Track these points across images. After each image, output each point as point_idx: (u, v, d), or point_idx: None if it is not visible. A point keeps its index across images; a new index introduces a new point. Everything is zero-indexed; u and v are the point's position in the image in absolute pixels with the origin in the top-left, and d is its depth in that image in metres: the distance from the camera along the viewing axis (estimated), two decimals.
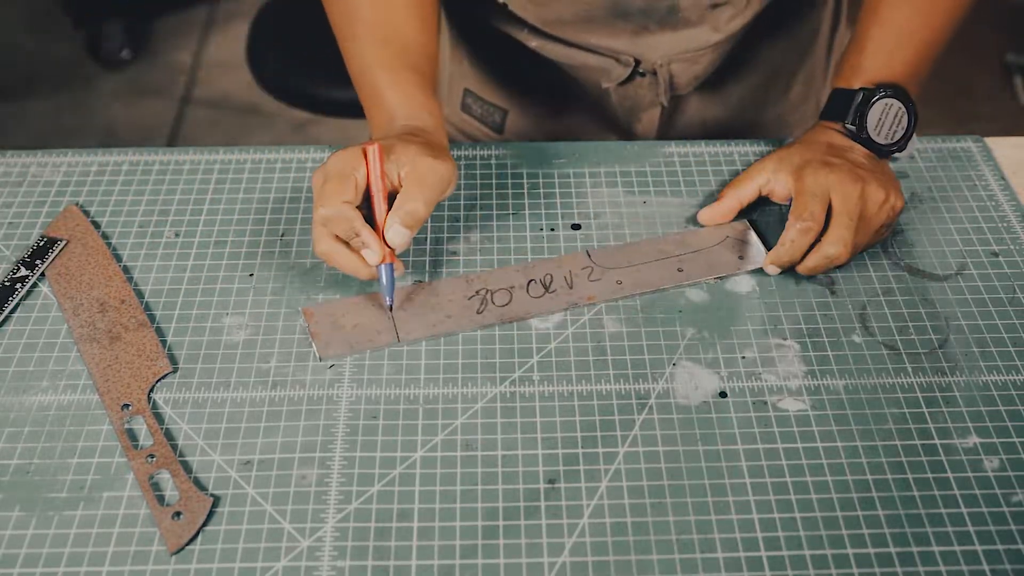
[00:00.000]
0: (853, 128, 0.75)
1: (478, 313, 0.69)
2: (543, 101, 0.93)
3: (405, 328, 0.68)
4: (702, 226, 0.76)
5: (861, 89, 0.75)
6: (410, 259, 0.74)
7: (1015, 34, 2.41)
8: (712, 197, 0.79)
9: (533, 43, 0.86)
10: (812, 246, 0.70)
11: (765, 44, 0.89)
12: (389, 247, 0.66)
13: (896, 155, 0.78)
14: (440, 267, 0.73)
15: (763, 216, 0.77)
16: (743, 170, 0.78)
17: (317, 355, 0.67)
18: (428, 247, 0.75)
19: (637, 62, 0.84)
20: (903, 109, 0.74)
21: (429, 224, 0.77)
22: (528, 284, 0.71)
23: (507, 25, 0.87)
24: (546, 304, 0.70)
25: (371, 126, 0.75)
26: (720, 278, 0.72)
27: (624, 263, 0.73)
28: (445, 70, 0.98)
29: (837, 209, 0.70)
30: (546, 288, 0.70)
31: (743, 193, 0.75)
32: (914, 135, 0.76)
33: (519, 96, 0.94)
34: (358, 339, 0.68)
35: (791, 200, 0.72)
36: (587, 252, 0.74)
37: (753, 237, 0.75)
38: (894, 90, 0.74)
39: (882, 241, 0.75)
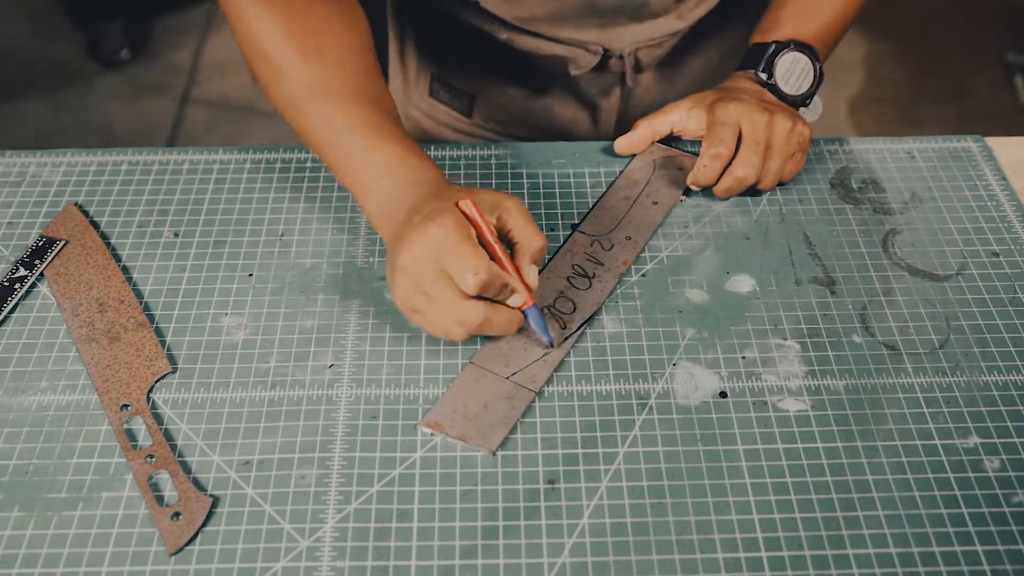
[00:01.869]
0: (763, 76, 0.80)
1: (564, 328, 0.68)
2: (511, 85, 0.94)
3: (527, 380, 0.65)
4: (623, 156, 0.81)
5: (774, 42, 0.81)
6: None
7: (1015, 34, 2.41)
8: (713, 198, 0.79)
9: (503, 36, 0.88)
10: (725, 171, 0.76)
11: (721, 25, 0.93)
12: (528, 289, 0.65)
13: (805, 110, 0.83)
14: None
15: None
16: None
17: (490, 452, 0.61)
18: None
19: (605, 51, 0.88)
20: (810, 65, 0.81)
21: None
22: (571, 281, 0.71)
23: (477, 19, 0.88)
24: (602, 289, 0.71)
25: (363, 189, 0.68)
26: (687, 193, 0.77)
27: (614, 223, 0.76)
28: (412, 59, 0.98)
29: (746, 136, 0.75)
30: (588, 277, 0.71)
31: (656, 125, 0.81)
32: (818, 99, 0.83)
33: (486, 81, 0.95)
34: (505, 413, 0.63)
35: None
36: (577, 231, 0.75)
37: (674, 150, 0.82)
38: (803, 47, 0.81)
39: (799, 170, 0.79)
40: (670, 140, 0.83)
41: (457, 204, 0.63)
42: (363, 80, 0.71)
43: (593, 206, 0.77)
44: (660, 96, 0.95)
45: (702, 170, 0.76)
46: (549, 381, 0.65)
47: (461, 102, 0.96)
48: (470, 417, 0.63)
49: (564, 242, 0.75)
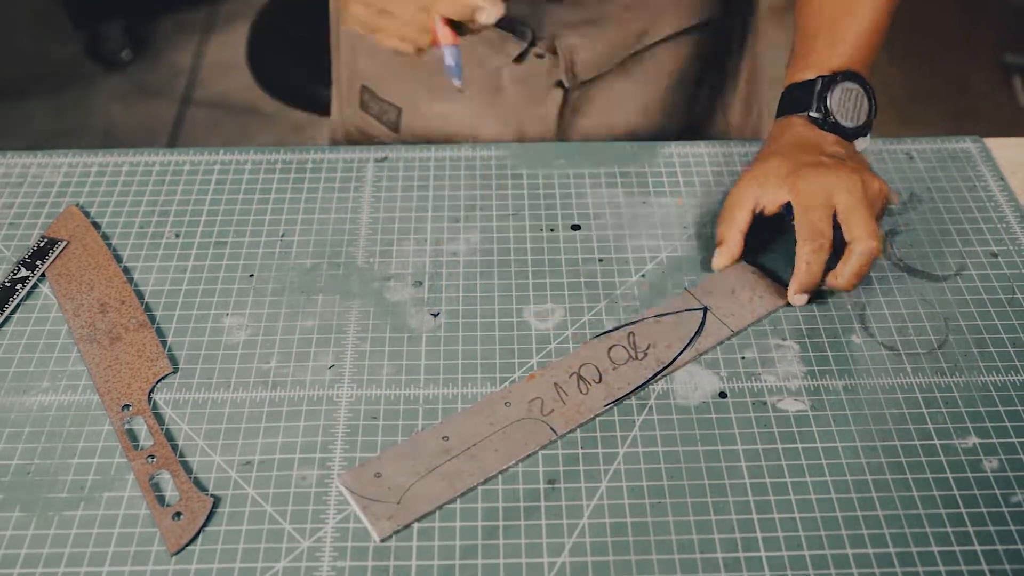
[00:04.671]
0: (819, 116, 0.73)
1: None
2: (436, 98, 0.89)
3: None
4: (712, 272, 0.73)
5: (819, 77, 0.74)
6: (410, 260, 0.74)
7: (1013, 34, 2.41)
8: (712, 198, 0.79)
9: None
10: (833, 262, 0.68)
11: (667, 48, 0.87)
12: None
13: (859, 140, 0.76)
14: (440, 267, 0.74)
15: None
16: (732, 185, 0.77)
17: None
18: (428, 248, 0.75)
19: (533, 35, 0.82)
20: (862, 92, 0.74)
21: (429, 225, 0.77)
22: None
23: None
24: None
25: None
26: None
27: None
28: (343, 68, 0.95)
29: (848, 205, 0.68)
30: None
31: (740, 223, 0.72)
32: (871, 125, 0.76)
33: (412, 93, 0.91)
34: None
35: (785, 210, 0.70)
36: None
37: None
38: (851, 75, 0.74)
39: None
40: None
41: None
42: None
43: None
44: (604, 125, 0.88)
45: (805, 269, 0.68)
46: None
47: (388, 115, 0.92)
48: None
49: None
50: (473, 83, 0.86)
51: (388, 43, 0.68)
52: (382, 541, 0.58)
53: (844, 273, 0.68)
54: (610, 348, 0.67)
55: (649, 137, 0.90)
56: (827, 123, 0.74)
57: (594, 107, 0.88)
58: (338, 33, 0.95)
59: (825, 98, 0.73)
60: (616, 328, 0.68)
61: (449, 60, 0.64)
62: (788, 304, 0.70)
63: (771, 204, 0.71)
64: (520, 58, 0.84)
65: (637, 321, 0.69)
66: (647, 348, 0.67)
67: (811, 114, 0.74)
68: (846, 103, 0.74)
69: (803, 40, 0.77)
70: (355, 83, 0.94)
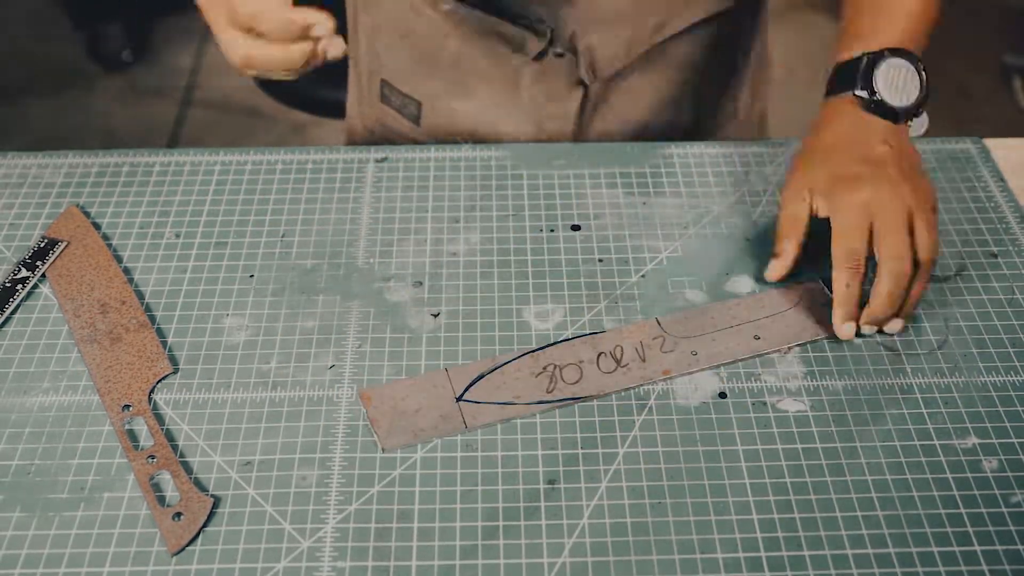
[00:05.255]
0: (864, 95, 0.71)
1: (548, 392, 0.65)
2: (455, 94, 0.89)
3: (472, 413, 0.64)
4: (772, 285, 0.72)
5: (863, 54, 0.71)
6: (410, 260, 0.74)
7: (1013, 35, 2.41)
8: (713, 198, 0.79)
9: (446, 7, 0.83)
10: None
11: (681, 41, 0.86)
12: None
13: (911, 124, 0.73)
14: (440, 267, 0.74)
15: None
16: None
17: (380, 446, 0.62)
18: (428, 248, 0.75)
19: (552, 33, 0.81)
20: (912, 70, 0.71)
21: (429, 225, 0.77)
22: (598, 358, 0.67)
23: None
24: (619, 380, 0.66)
25: None
26: (800, 345, 0.68)
27: (697, 331, 0.68)
28: (362, 63, 0.95)
29: (881, 226, 0.66)
30: (618, 362, 0.66)
31: (798, 236, 0.70)
32: (924, 112, 0.73)
33: (431, 89, 0.90)
34: (422, 426, 0.63)
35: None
36: (657, 320, 0.69)
37: (830, 298, 0.69)
38: (899, 52, 0.71)
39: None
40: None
41: None
42: None
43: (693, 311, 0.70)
44: (618, 122, 0.87)
45: (844, 292, 0.66)
46: (490, 430, 0.63)
47: (409, 108, 0.92)
48: (398, 410, 0.64)
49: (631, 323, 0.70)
50: (492, 81, 0.86)
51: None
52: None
53: (873, 295, 0.66)
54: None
55: (661, 131, 0.90)
56: (874, 103, 0.71)
57: (613, 104, 0.87)
58: (356, 28, 0.94)
59: (871, 76, 0.70)
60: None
61: None
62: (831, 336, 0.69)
63: (822, 211, 0.69)
64: (539, 57, 0.83)
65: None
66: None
67: (856, 93, 0.71)
68: (895, 81, 0.70)
69: (850, 18, 0.75)
70: (374, 78, 0.94)
